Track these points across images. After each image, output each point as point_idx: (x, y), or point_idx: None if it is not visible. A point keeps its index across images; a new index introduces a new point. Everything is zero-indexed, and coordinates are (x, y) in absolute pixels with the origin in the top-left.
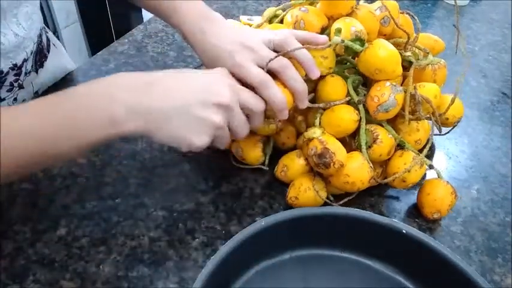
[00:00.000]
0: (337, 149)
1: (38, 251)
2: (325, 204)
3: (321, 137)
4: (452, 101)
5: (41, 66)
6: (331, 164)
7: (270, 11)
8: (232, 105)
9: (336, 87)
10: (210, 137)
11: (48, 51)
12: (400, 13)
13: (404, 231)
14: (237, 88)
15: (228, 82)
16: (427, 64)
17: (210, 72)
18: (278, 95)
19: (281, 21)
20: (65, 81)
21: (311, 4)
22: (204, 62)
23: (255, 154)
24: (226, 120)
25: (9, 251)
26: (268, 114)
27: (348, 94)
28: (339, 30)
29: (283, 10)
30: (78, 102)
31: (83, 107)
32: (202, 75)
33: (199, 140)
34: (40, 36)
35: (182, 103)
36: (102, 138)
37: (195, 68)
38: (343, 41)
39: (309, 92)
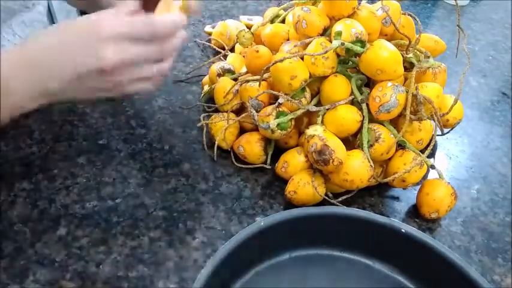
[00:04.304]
0: (337, 147)
1: (38, 251)
2: (323, 200)
3: (322, 134)
4: (455, 102)
5: None
6: (330, 161)
7: (272, 11)
8: (118, 66)
9: (339, 87)
10: (116, 93)
11: None
12: (402, 14)
13: (403, 231)
14: (125, 39)
15: (113, 33)
16: (428, 67)
17: (91, 22)
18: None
19: (283, 21)
20: None
21: (313, 4)
22: None
23: (257, 153)
24: (123, 79)
25: (9, 251)
26: None
27: (352, 93)
28: (338, 34)
29: (285, 10)
30: None
31: None
32: (77, 31)
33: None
34: None
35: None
36: None
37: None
38: (343, 44)
39: (314, 93)
